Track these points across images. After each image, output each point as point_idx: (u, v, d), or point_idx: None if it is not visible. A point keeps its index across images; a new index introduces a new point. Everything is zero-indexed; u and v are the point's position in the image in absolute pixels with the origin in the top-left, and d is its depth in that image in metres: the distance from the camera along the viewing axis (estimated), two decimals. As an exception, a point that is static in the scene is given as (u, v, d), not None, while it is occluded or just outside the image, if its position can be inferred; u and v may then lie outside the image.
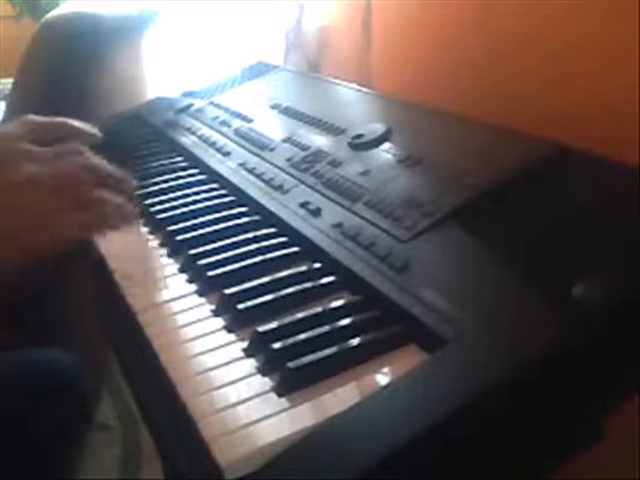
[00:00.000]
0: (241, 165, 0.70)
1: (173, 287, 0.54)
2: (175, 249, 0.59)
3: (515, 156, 0.55)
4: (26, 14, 2.04)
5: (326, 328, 0.44)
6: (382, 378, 0.41)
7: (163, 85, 1.14)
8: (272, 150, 0.70)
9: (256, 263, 0.53)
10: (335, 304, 0.47)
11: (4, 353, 0.70)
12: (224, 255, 0.55)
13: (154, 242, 0.62)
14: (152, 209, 0.66)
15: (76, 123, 0.83)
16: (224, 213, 0.62)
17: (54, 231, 0.53)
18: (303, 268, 0.52)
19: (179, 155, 0.80)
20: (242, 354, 0.44)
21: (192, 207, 0.65)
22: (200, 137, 0.81)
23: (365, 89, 0.80)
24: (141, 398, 0.47)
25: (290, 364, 0.41)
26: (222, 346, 0.46)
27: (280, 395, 0.40)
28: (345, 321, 0.45)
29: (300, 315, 0.46)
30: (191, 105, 0.92)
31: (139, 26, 1.18)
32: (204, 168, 0.74)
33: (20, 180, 0.54)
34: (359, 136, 0.66)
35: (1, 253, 0.52)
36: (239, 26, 1.25)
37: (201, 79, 1.03)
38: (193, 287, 0.53)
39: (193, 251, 0.56)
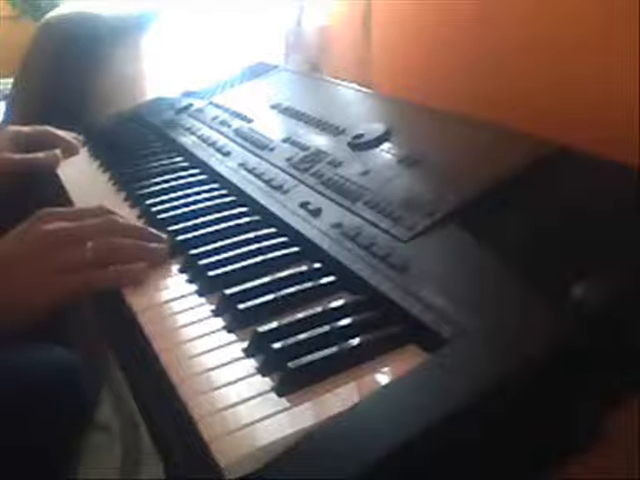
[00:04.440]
0: (241, 165, 0.70)
1: (173, 287, 0.54)
2: (175, 249, 0.59)
3: (515, 156, 0.55)
4: (26, 14, 2.05)
5: (326, 328, 0.44)
6: (382, 378, 0.41)
7: (163, 85, 1.14)
8: (272, 150, 0.70)
9: (256, 263, 0.53)
10: (335, 304, 0.47)
11: (3, 350, 0.70)
12: (224, 255, 0.55)
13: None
14: (152, 209, 0.66)
15: (59, 132, 0.85)
16: (224, 213, 0.62)
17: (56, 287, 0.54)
18: (303, 268, 0.52)
19: (179, 155, 0.80)
20: (242, 354, 0.44)
21: (192, 207, 0.64)
22: (200, 137, 0.81)
23: (365, 89, 0.80)
24: (141, 398, 0.47)
25: (290, 364, 0.41)
26: (222, 346, 0.46)
27: (280, 395, 0.40)
28: (345, 321, 0.45)
29: (300, 315, 0.46)
30: (191, 105, 0.92)
31: (139, 26, 1.18)
32: (204, 168, 0.74)
33: (37, 235, 0.56)
34: (359, 136, 0.66)
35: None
36: (239, 26, 1.25)
37: (201, 79, 1.03)
38: (193, 287, 0.53)
39: (193, 251, 0.56)
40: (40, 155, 0.81)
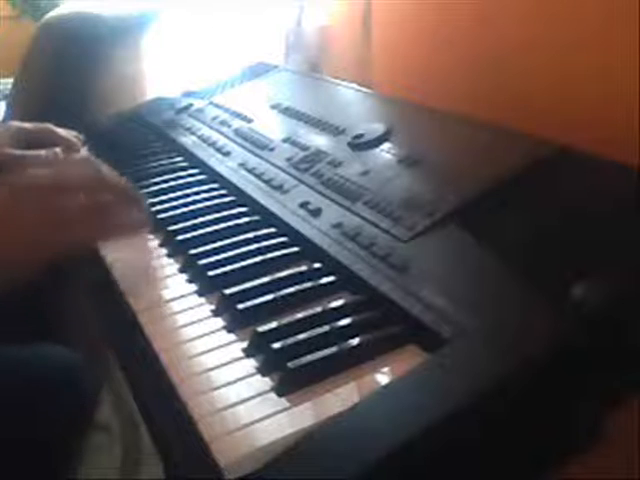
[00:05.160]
0: (241, 165, 0.70)
1: (173, 287, 0.54)
2: (175, 249, 0.59)
3: (515, 156, 0.55)
4: (26, 14, 2.05)
5: (326, 328, 0.44)
6: (382, 378, 0.41)
7: (163, 85, 1.14)
8: (272, 150, 0.70)
9: (256, 263, 0.53)
10: (335, 304, 0.47)
11: (4, 349, 0.70)
12: (224, 255, 0.55)
13: (154, 242, 0.62)
14: (152, 209, 0.66)
15: (60, 130, 0.85)
16: (224, 213, 0.62)
17: (55, 235, 0.53)
18: (303, 268, 0.52)
19: (179, 155, 0.80)
20: (242, 354, 0.44)
21: (192, 207, 0.65)
22: (200, 137, 0.81)
23: (365, 89, 0.80)
24: (141, 398, 0.47)
25: (290, 364, 0.41)
26: (222, 346, 0.46)
27: (280, 395, 0.40)
28: (345, 321, 0.45)
29: (300, 315, 0.46)
30: (191, 105, 0.92)
31: (139, 26, 1.18)
32: (204, 168, 0.74)
33: (20, 184, 0.54)
34: (359, 136, 0.66)
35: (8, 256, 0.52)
36: (239, 26, 1.25)
37: (201, 79, 1.03)
38: (193, 287, 0.53)
39: (193, 251, 0.56)
40: (41, 153, 0.81)
